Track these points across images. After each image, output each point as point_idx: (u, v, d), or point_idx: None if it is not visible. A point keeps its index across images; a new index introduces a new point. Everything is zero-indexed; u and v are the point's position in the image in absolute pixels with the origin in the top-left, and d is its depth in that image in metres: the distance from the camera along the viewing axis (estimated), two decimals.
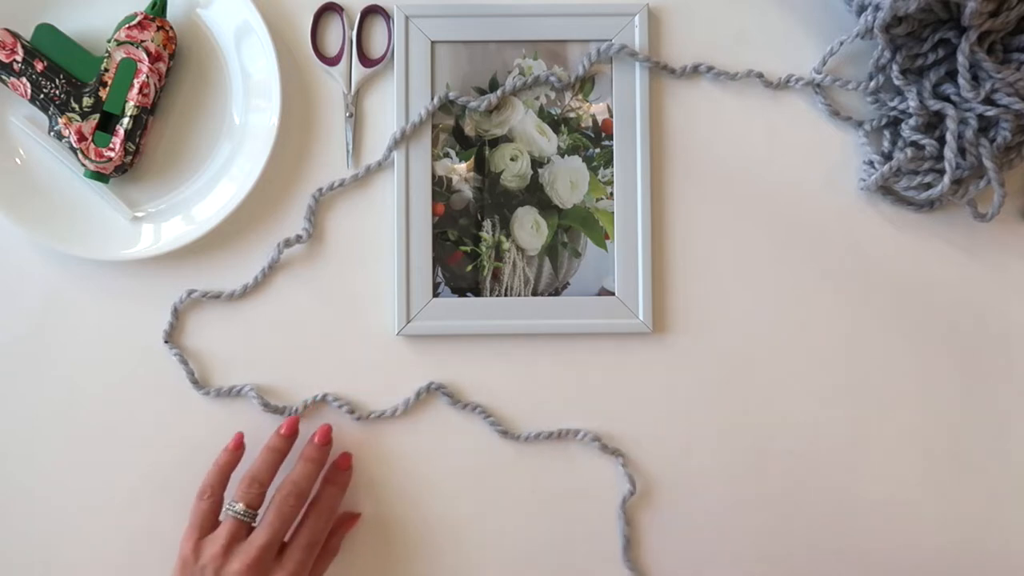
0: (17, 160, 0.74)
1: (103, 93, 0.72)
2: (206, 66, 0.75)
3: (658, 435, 0.75)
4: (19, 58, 0.71)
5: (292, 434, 0.72)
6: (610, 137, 0.75)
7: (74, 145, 0.72)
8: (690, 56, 0.76)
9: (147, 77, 0.72)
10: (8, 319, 0.75)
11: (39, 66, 0.71)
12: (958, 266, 0.76)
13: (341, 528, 0.73)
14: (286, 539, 0.69)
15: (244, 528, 0.68)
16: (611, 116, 0.75)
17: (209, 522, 0.69)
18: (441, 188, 0.75)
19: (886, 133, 0.75)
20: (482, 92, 0.75)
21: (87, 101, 0.72)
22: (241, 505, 0.68)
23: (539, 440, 0.74)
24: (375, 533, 0.74)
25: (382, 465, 0.75)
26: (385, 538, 0.74)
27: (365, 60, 0.76)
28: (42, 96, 0.72)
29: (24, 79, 0.71)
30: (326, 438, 0.72)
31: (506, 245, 0.75)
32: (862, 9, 0.72)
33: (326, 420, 0.74)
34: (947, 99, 0.73)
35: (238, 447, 0.71)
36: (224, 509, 0.69)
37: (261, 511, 0.69)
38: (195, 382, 0.74)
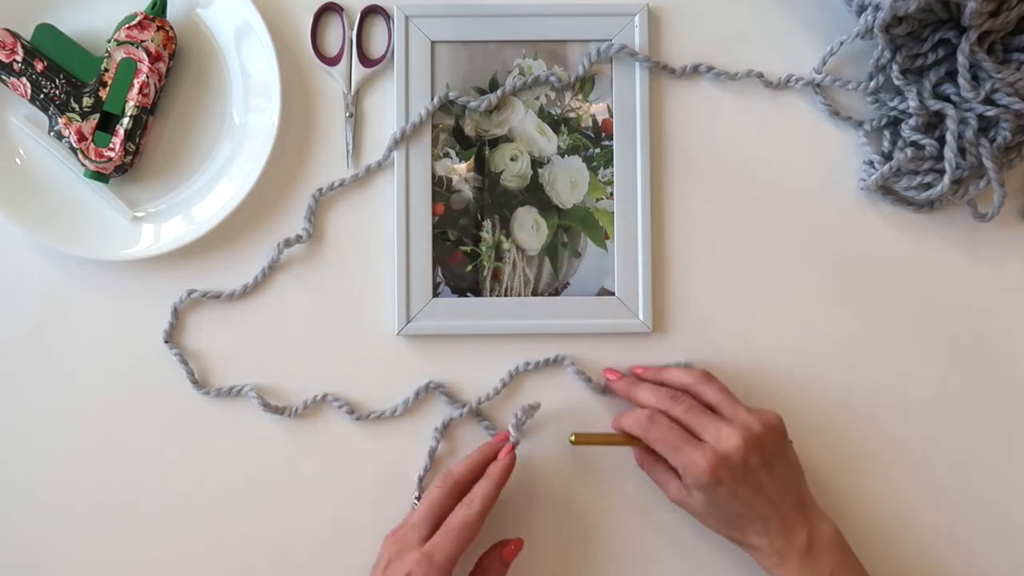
0: (17, 160, 0.74)
1: (103, 93, 0.72)
2: (206, 66, 0.75)
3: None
4: (19, 58, 0.71)
5: (505, 436, 0.72)
6: (610, 137, 0.75)
7: (74, 145, 0.72)
8: (690, 56, 0.76)
9: (147, 77, 0.72)
10: (8, 319, 0.75)
11: (39, 66, 0.71)
12: (958, 266, 0.76)
13: (504, 553, 0.71)
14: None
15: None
16: (611, 116, 0.75)
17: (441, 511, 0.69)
18: (441, 188, 0.75)
19: (886, 133, 0.75)
20: (482, 92, 0.75)
21: (87, 101, 0.72)
22: (418, 494, 0.72)
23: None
24: (374, 533, 0.74)
25: (381, 465, 0.75)
26: (376, 540, 0.74)
27: (365, 60, 0.76)
28: (42, 96, 0.72)
29: (24, 79, 0.71)
30: (506, 436, 0.72)
31: (506, 245, 0.75)
32: (862, 9, 0.72)
33: (326, 420, 0.74)
34: (947, 99, 0.73)
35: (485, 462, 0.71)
36: (412, 500, 0.73)
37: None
38: (195, 382, 0.74)
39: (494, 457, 0.71)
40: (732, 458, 0.66)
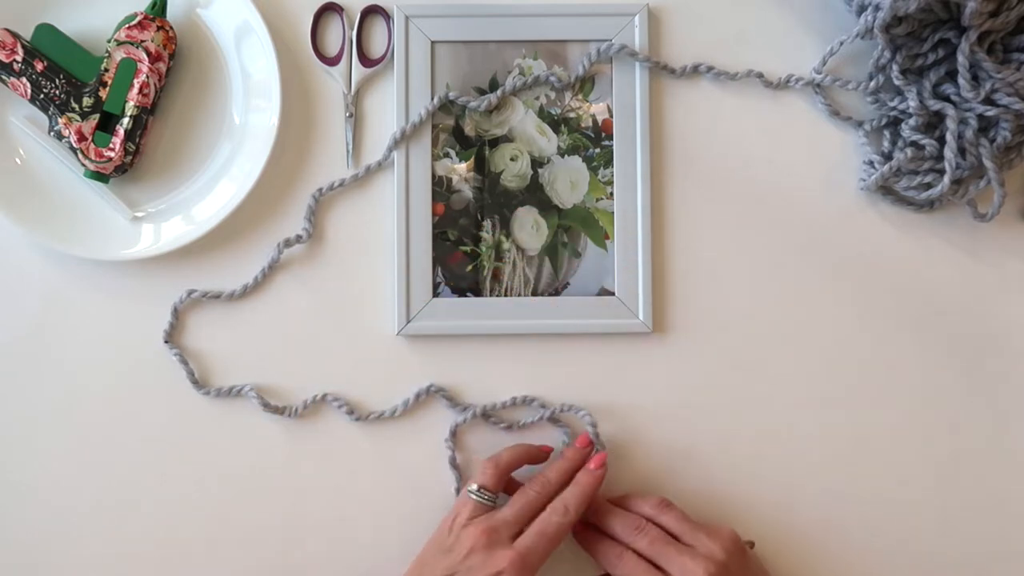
0: (17, 160, 0.74)
1: (103, 93, 0.72)
2: (206, 66, 0.75)
3: (658, 435, 0.75)
4: (19, 58, 0.71)
5: (549, 450, 0.73)
6: (610, 137, 0.75)
7: (74, 145, 0.72)
8: (690, 56, 0.76)
9: (147, 77, 0.72)
10: (8, 319, 0.75)
11: (39, 66, 0.71)
12: (958, 266, 0.76)
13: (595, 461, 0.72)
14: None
15: (483, 508, 0.69)
16: (611, 116, 0.75)
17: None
18: (441, 188, 0.75)
19: (886, 133, 0.75)
20: (482, 92, 0.75)
21: (87, 101, 0.72)
22: (475, 485, 0.69)
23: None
24: (373, 533, 0.74)
25: (381, 465, 0.75)
26: (376, 540, 0.74)
27: (365, 60, 0.76)
28: (42, 96, 0.72)
29: (24, 79, 0.71)
30: (587, 441, 0.72)
31: (506, 245, 0.75)
32: (862, 9, 0.72)
33: (325, 420, 0.74)
34: (947, 99, 0.73)
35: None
36: (464, 490, 0.70)
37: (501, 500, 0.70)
38: (195, 382, 0.74)
39: (581, 464, 0.71)
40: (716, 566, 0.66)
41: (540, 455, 0.73)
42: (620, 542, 0.70)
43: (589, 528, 0.72)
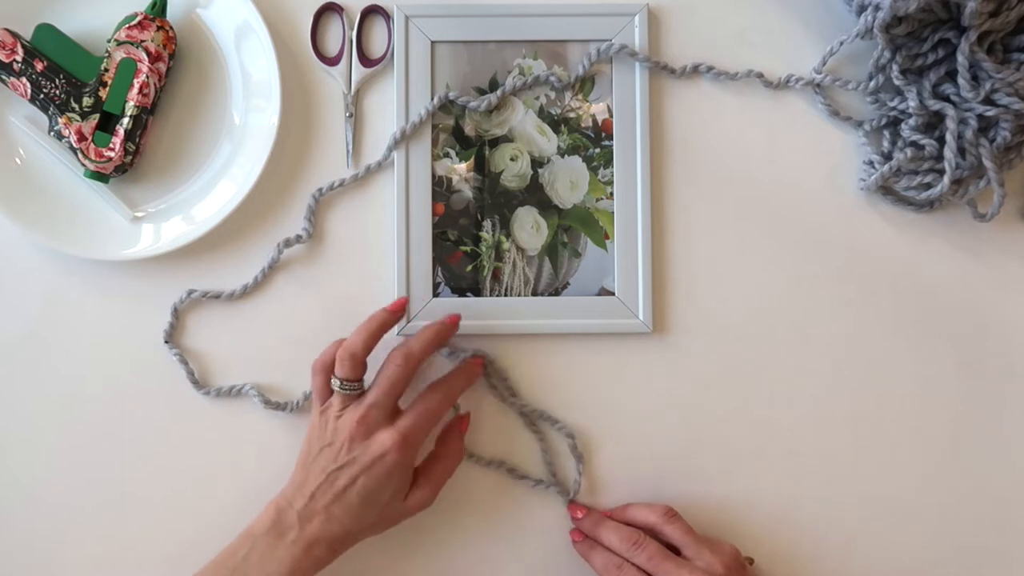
0: (17, 160, 0.74)
1: (103, 93, 0.72)
2: (206, 66, 0.75)
3: (658, 435, 0.75)
4: (19, 58, 0.71)
5: (397, 309, 0.71)
6: (610, 137, 0.75)
7: (74, 145, 0.72)
8: (690, 56, 0.76)
9: (147, 77, 0.72)
10: (8, 319, 0.75)
11: (39, 66, 0.71)
12: (958, 266, 0.76)
13: (457, 428, 0.73)
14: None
15: (351, 398, 0.69)
16: (611, 116, 0.75)
17: (326, 394, 0.70)
18: (441, 188, 0.75)
19: (886, 133, 0.75)
20: (482, 92, 0.75)
21: (87, 101, 0.72)
22: (338, 380, 0.69)
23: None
24: None
25: None
26: (378, 538, 0.74)
27: (365, 60, 0.76)
28: (42, 96, 0.72)
29: (24, 79, 0.71)
30: (455, 320, 0.72)
31: (506, 245, 0.75)
32: (862, 9, 0.72)
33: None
34: (947, 99, 0.73)
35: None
36: (331, 383, 0.69)
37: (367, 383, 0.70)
38: (195, 382, 0.74)
39: (447, 336, 0.71)
40: None
41: (388, 318, 0.70)
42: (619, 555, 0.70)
43: (589, 540, 0.72)
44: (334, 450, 0.67)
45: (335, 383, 0.69)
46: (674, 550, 0.70)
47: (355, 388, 0.69)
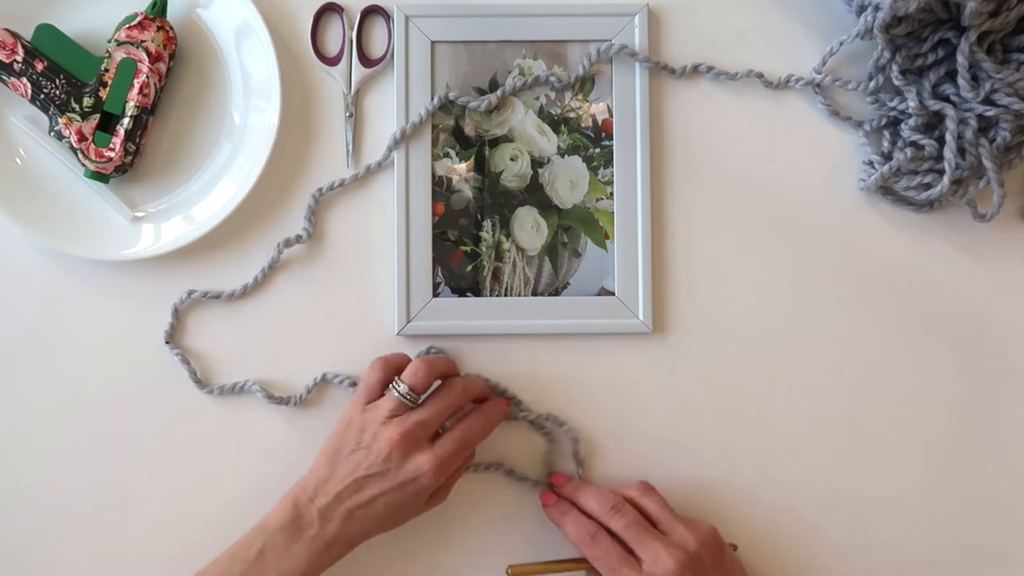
0: (17, 160, 0.74)
1: (103, 93, 0.72)
2: (206, 66, 0.75)
3: (658, 435, 0.75)
4: (19, 58, 0.71)
5: (480, 390, 0.72)
6: (610, 137, 0.75)
7: (74, 145, 0.72)
8: (690, 56, 0.76)
9: (147, 77, 0.72)
10: (8, 319, 0.75)
11: (39, 66, 0.71)
12: (958, 266, 0.76)
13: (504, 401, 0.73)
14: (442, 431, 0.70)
15: (404, 407, 0.68)
16: (611, 116, 0.75)
17: (376, 393, 0.70)
18: (441, 188, 0.75)
19: (886, 133, 0.75)
20: (482, 92, 0.75)
21: (87, 101, 0.72)
22: (405, 386, 0.68)
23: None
24: None
25: None
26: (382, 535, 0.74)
27: (365, 60, 0.76)
28: (42, 96, 0.72)
29: (24, 79, 0.71)
30: (507, 403, 0.73)
31: (506, 245, 0.75)
32: (862, 9, 0.72)
33: (329, 401, 0.75)
34: (947, 99, 0.73)
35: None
36: (390, 387, 0.69)
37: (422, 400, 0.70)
38: (198, 381, 0.74)
39: (504, 412, 0.72)
40: None
41: (471, 383, 0.72)
42: (595, 520, 0.69)
43: (562, 503, 0.71)
44: (369, 457, 0.67)
45: (397, 387, 0.68)
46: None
47: (413, 400, 0.68)
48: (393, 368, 0.70)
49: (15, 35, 0.71)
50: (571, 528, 0.70)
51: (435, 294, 0.75)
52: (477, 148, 0.75)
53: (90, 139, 0.72)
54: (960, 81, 0.71)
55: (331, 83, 0.76)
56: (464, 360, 0.75)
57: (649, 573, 0.66)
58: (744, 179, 0.76)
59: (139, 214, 0.75)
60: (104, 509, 0.75)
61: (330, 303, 0.75)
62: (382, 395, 0.69)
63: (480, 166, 0.75)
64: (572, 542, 0.70)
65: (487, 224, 0.75)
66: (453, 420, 0.71)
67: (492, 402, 0.72)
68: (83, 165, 0.72)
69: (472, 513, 0.75)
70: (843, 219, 0.76)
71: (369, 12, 0.76)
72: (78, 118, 0.72)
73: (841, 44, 0.74)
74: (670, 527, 0.68)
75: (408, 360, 0.71)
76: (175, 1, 0.74)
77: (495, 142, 0.75)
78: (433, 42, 0.75)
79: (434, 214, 0.75)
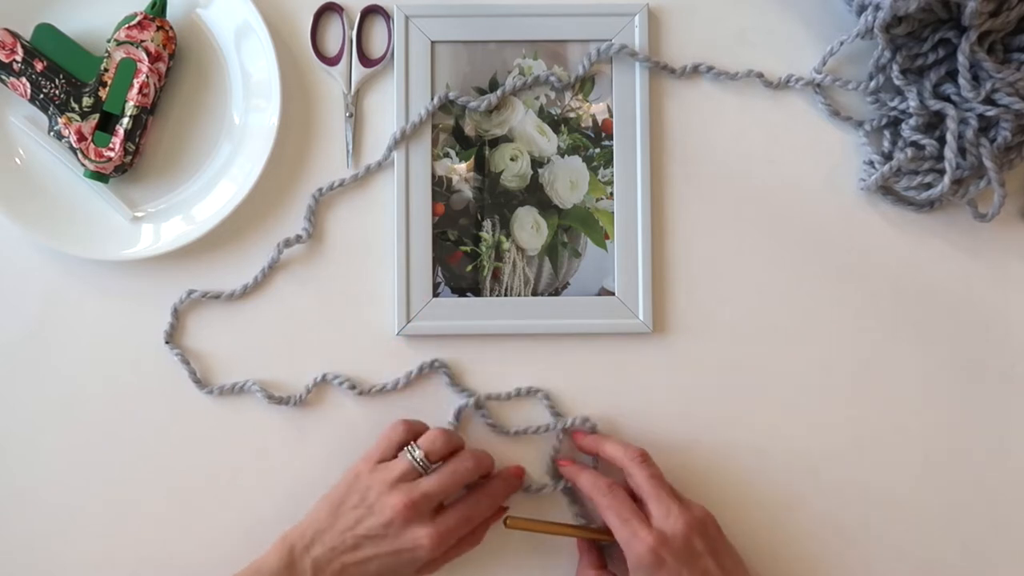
0: (17, 160, 0.74)
1: (103, 93, 0.72)
2: (206, 66, 0.75)
3: (658, 435, 0.75)
4: (19, 58, 0.71)
5: (490, 467, 0.72)
6: (610, 137, 0.75)
7: (74, 145, 0.72)
8: (690, 56, 0.76)
9: (147, 77, 0.72)
10: (8, 319, 0.75)
11: (39, 66, 0.71)
12: (958, 266, 0.76)
13: (490, 520, 0.72)
14: (447, 503, 0.70)
15: (415, 473, 0.68)
16: (611, 116, 0.75)
17: (391, 453, 0.70)
18: (441, 188, 0.75)
19: (886, 133, 0.75)
20: (482, 92, 0.75)
21: (87, 101, 0.72)
22: (421, 452, 0.68)
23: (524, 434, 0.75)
24: None
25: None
26: None
27: (365, 60, 0.76)
28: (42, 96, 0.72)
29: (24, 79, 0.71)
30: (521, 471, 0.73)
31: (506, 245, 0.75)
32: (862, 9, 0.72)
33: (328, 401, 0.74)
34: (947, 99, 0.73)
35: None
36: (406, 449, 0.69)
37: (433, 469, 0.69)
38: (198, 381, 0.74)
39: (507, 475, 0.72)
40: (676, 539, 0.66)
41: (487, 461, 0.71)
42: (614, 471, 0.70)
43: (579, 464, 0.73)
44: (371, 518, 0.67)
45: (413, 451, 0.69)
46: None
47: (425, 468, 0.68)
48: (412, 433, 0.70)
49: (15, 35, 0.71)
50: (587, 480, 0.70)
51: (435, 294, 0.75)
52: (477, 148, 0.75)
53: (90, 139, 0.72)
54: (961, 81, 0.71)
55: (331, 83, 0.76)
56: (464, 360, 0.75)
57: (659, 528, 0.66)
58: (744, 179, 0.76)
59: (139, 214, 0.75)
60: (104, 509, 0.75)
61: (330, 303, 0.75)
62: (395, 456, 0.69)
63: (480, 166, 0.75)
64: (586, 492, 0.70)
65: (487, 224, 0.75)
66: (460, 492, 0.71)
67: (501, 478, 0.72)
68: (83, 165, 0.72)
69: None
70: (843, 219, 0.76)
71: (369, 12, 0.76)
72: (78, 118, 0.72)
73: (841, 44, 0.74)
74: (661, 504, 0.68)
75: (426, 428, 0.71)
76: (175, 1, 0.74)
77: (495, 142, 0.75)
78: (433, 42, 0.75)
79: (434, 214, 0.75)
